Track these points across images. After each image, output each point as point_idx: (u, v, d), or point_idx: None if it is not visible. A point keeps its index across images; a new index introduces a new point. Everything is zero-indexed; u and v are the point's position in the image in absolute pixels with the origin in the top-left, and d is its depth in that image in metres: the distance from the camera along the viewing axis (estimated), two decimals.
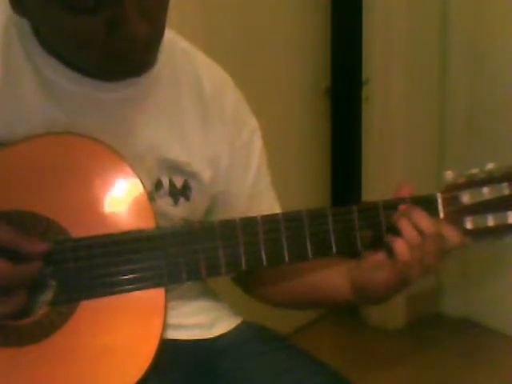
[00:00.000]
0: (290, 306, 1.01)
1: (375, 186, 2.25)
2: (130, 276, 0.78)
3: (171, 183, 0.87)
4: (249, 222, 0.81)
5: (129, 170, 0.80)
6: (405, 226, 0.81)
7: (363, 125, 2.29)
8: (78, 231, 0.78)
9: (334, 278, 0.92)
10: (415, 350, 2.19)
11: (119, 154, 0.80)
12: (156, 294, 0.79)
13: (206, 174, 0.88)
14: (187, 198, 0.88)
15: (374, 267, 0.84)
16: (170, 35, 0.85)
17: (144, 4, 0.71)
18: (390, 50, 2.17)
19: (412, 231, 0.81)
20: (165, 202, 0.86)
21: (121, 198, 0.80)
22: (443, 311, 2.41)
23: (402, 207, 0.84)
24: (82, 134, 0.80)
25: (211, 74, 0.92)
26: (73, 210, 0.78)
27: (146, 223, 0.80)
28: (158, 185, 0.86)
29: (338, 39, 2.34)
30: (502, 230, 0.84)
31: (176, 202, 0.87)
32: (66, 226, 0.78)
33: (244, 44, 1.99)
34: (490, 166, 0.84)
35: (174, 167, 0.86)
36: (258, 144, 0.94)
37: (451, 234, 0.83)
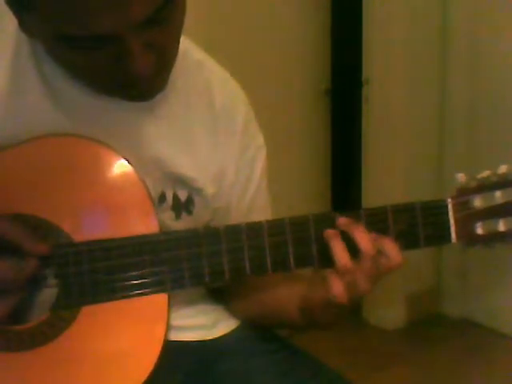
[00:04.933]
0: (253, 321, 0.96)
1: (375, 186, 2.25)
2: (133, 281, 0.77)
3: (175, 197, 0.85)
4: (254, 227, 0.79)
5: (131, 172, 0.79)
6: (338, 249, 0.77)
7: (363, 125, 2.28)
8: (79, 235, 0.77)
9: (284, 296, 0.89)
10: (415, 350, 2.18)
11: (121, 156, 0.79)
12: (159, 299, 0.78)
13: (209, 190, 0.87)
14: (190, 213, 0.86)
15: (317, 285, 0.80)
16: (185, 45, 0.83)
17: (149, 37, 0.69)
18: (390, 50, 2.17)
19: (345, 256, 0.76)
20: (166, 217, 0.84)
21: (123, 201, 0.79)
22: (443, 311, 2.40)
23: (339, 222, 0.78)
24: (84, 136, 0.79)
25: (224, 87, 0.90)
26: (74, 213, 0.78)
27: (149, 226, 0.79)
28: (162, 198, 0.84)
29: (338, 39, 2.34)
30: None
31: (178, 216, 0.86)
32: (67, 230, 0.77)
33: (244, 44, 1.99)
34: (502, 168, 0.80)
35: (179, 181, 0.85)
36: (260, 162, 0.92)
37: (393, 254, 0.76)
